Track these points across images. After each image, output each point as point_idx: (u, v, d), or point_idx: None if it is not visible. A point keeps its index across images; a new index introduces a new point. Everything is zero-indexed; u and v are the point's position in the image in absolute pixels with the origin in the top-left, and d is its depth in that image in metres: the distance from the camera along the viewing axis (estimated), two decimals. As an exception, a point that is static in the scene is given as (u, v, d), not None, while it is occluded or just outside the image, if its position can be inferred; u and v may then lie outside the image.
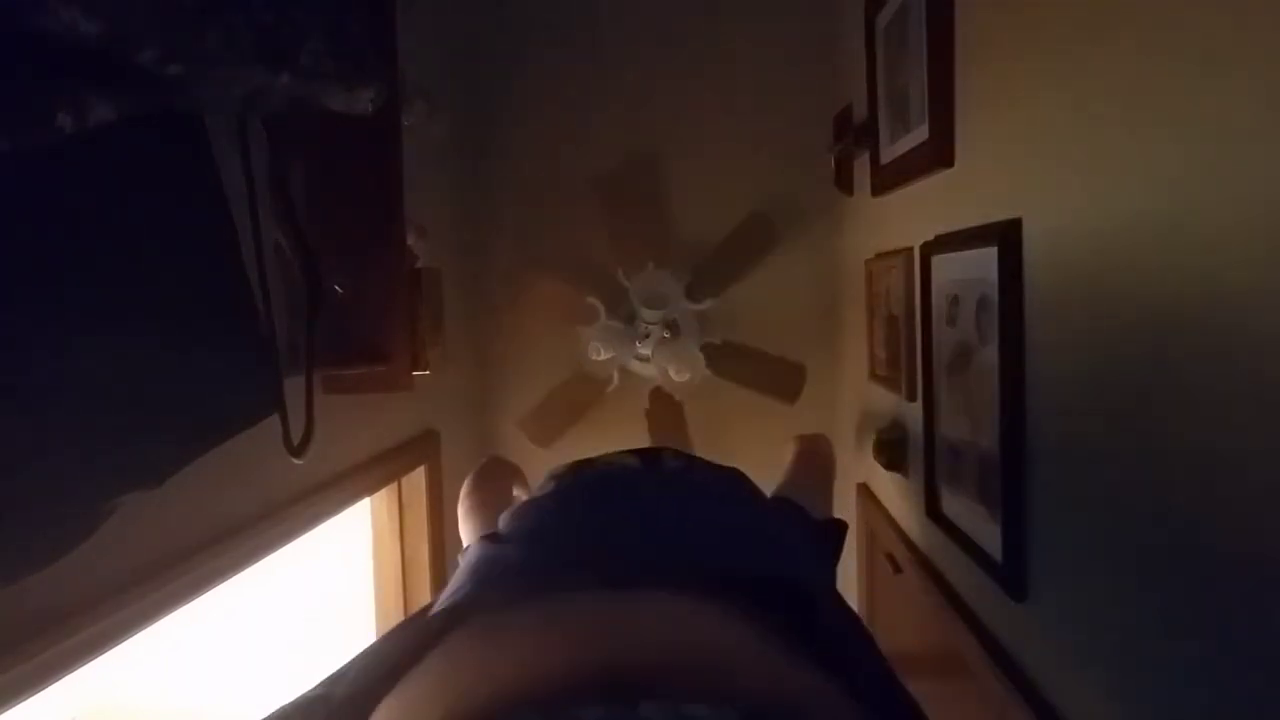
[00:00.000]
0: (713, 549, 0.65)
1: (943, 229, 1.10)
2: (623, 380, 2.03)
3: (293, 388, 0.89)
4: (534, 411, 2.05)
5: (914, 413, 1.28)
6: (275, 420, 0.86)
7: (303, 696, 0.38)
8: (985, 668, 0.91)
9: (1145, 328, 0.62)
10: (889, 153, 1.37)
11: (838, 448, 1.48)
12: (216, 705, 1.96)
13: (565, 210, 2.08)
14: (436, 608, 0.57)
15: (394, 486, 1.61)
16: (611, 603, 0.36)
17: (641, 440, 1.97)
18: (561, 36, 2.04)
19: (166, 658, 1.93)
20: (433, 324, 1.39)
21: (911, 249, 1.25)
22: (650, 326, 1.93)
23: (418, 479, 1.65)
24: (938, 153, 1.09)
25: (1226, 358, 0.53)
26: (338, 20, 0.76)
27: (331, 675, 0.39)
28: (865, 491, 1.71)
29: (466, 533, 1.08)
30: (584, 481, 0.88)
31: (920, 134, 1.17)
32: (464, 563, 0.67)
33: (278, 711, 0.37)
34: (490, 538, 0.70)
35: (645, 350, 1.95)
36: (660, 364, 1.96)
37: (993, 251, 0.88)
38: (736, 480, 0.93)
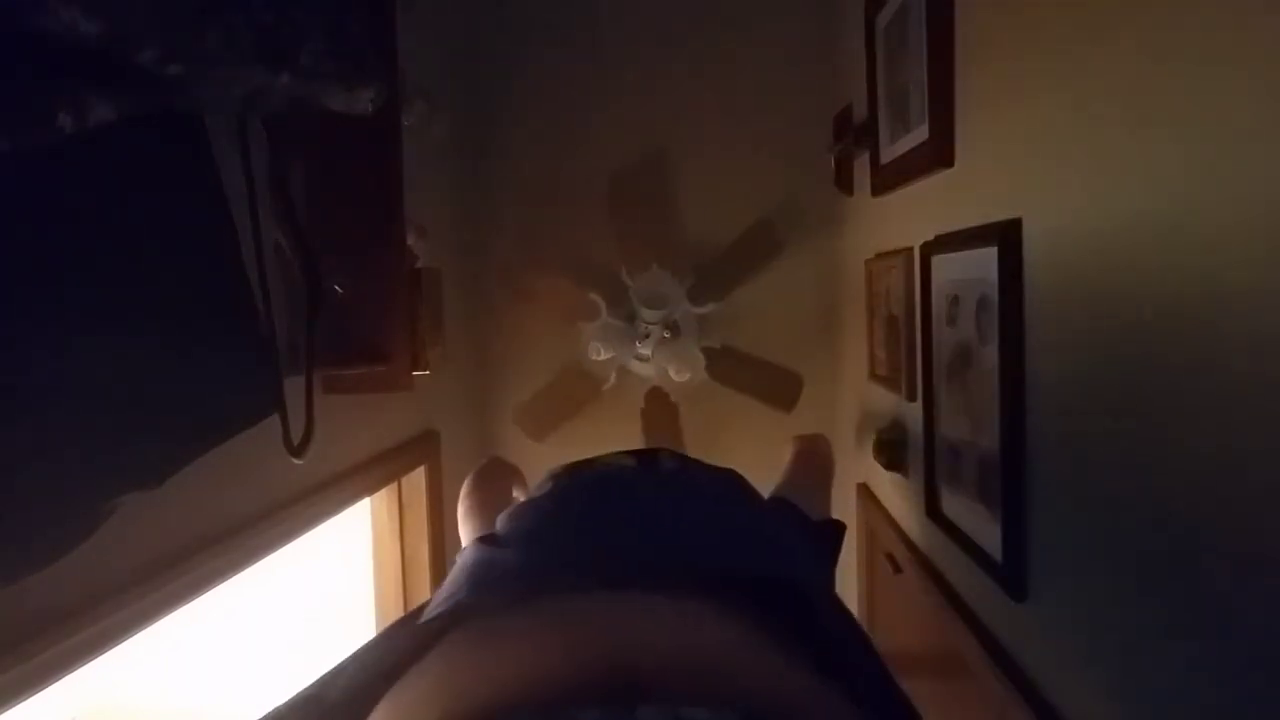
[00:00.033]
0: (710, 550, 0.65)
1: (943, 229, 1.10)
2: (620, 379, 2.04)
3: (293, 388, 0.89)
4: (528, 404, 2.05)
5: (914, 413, 1.28)
6: (275, 420, 0.86)
7: (296, 696, 0.38)
8: (985, 668, 0.91)
9: (1145, 328, 0.62)
10: (889, 153, 1.37)
11: (837, 448, 1.48)
12: (216, 705, 1.96)
13: (565, 210, 2.08)
14: (431, 610, 0.57)
15: (394, 486, 1.61)
16: (609, 604, 0.36)
17: (635, 439, 1.97)
18: (561, 36, 2.04)
19: (166, 658, 1.93)
20: (433, 324, 1.39)
21: (911, 249, 1.25)
22: (650, 327, 1.93)
23: (418, 479, 1.65)
24: (938, 153, 1.09)
25: (1226, 358, 0.53)
26: (338, 20, 0.76)
27: (325, 675, 0.39)
28: (865, 491, 1.71)
29: (466, 533, 1.08)
30: (581, 482, 0.88)
31: (920, 134, 1.16)
32: (459, 564, 0.66)
33: (272, 712, 0.37)
34: (487, 539, 0.70)
35: (645, 350, 1.95)
36: (661, 363, 1.96)
37: (993, 251, 0.88)
38: (733, 481, 0.93)
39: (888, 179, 1.39)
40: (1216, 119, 0.53)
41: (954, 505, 1.07)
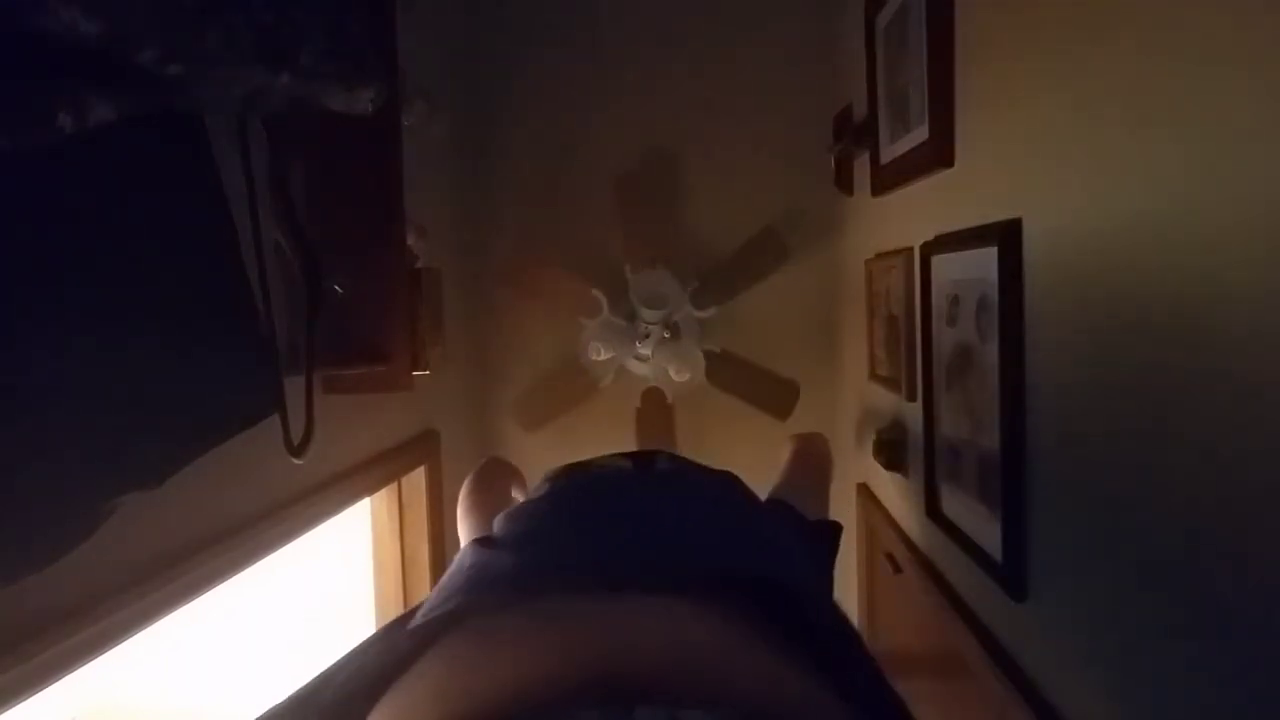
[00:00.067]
0: (707, 551, 0.65)
1: (943, 229, 1.10)
2: (617, 377, 2.04)
3: (293, 388, 0.89)
4: (524, 395, 2.06)
5: (914, 412, 1.28)
6: (275, 420, 0.86)
7: (292, 696, 0.38)
8: (985, 668, 0.91)
9: (1145, 327, 0.62)
10: (889, 153, 1.37)
11: (837, 448, 1.48)
12: (216, 705, 1.96)
13: (565, 210, 2.09)
14: (426, 611, 0.57)
15: (394, 486, 1.61)
16: (607, 606, 0.36)
17: (629, 438, 1.97)
18: (561, 36, 2.04)
19: (166, 658, 1.93)
20: (433, 324, 1.39)
21: (911, 249, 1.25)
22: (650, 327, 1.93)
23: (418, 479, 1.65)
24: (938, 153, 1.09)
25: (1227, 357, 0.53)
26: (338, 20, 0.76)
27: (321, 674, 0.39)
28: (865, 491, 1.71)
29: (465, 533, 1.08)
30: (578, 484, 0.88)
31: (920, 134, 1.16)
32: (456, 566, 0.66)
33: (267, 712, 0.37)
34: (484, 541, 0.70)
35: (645, 350, 1.95)
36: (661, 363, 1.96)
37: (993, 251, 0.88)
38: (730, 483, 0.92)
39: (888, 179, 1.39)
40: (1216, 119, 0.53)
41: (954, 505, 1.07)
